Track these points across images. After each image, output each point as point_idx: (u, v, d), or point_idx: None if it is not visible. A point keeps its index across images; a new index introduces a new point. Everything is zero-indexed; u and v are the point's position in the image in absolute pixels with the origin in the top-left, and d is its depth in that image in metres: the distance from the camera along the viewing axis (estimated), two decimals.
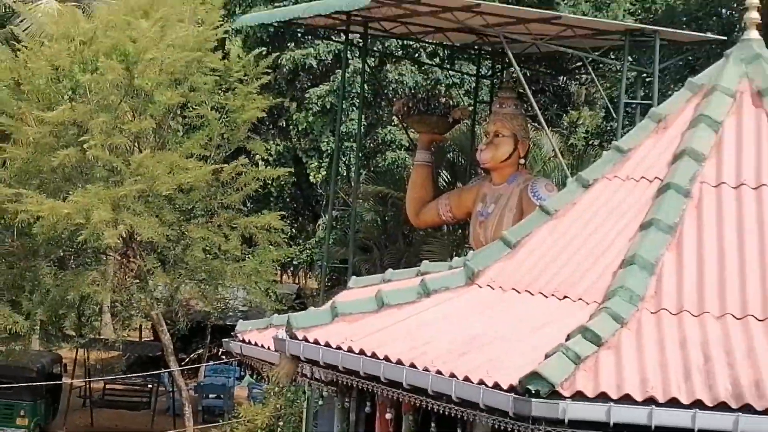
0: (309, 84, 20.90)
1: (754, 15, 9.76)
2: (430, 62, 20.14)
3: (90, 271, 16.97)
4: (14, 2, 20.25)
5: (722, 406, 6.53)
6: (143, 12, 17.53)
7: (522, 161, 14.75)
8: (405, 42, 18.25)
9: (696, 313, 8.01)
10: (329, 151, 19.41)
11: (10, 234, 17.14)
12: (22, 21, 20.27)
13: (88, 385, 22.12)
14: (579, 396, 6.80)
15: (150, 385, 22.38)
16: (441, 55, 19.74)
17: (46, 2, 20.44)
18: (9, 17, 21.12)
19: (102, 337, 21.36)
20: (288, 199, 20.82)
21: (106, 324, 21.00)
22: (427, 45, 18.16)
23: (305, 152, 20.21)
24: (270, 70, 18.89)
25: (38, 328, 18.80)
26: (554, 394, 6.79)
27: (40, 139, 16.78)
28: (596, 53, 15.20)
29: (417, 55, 19.82)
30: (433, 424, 8.64)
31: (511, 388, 6.82)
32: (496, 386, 6.97)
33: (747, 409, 6.39)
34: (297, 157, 20.92)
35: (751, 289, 8.29)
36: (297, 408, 12.85)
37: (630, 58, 14.70)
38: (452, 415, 7.97)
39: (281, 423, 13.53)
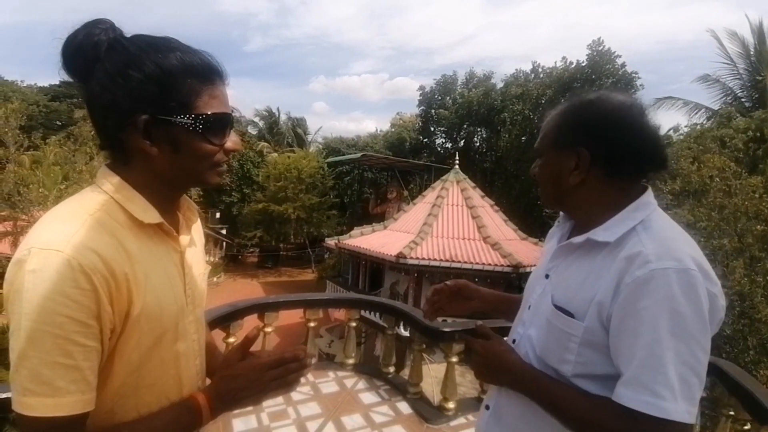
0: (344, 176, 24.41)
1: (457, 162, 13.18)
2: (376, 171, 23.94)
3: (287, 224, 21.20)
4: (265, 154, 24.37)
5: (447, 260, 9.92)
6: (304, 157, 22.65)
7: (400, 197, 18.79)
8: (369, 166, 22.25)
9: (443, 237, 11.01)
10: (349, 195, 23.79)
11: (266, 215, 21.16)
12: (267, 158, 24.57)
13: (287, 253, 25.79)
14: (412, 258, 10.00)
15: (302, 253, 25.29)
16: (378, 169, 23.28)
17: (274, 154, 24.85)
18: (265, 158, 24.82)
19: (290, 241, 24.05)
20: (339, 207, 23.24)
21: (291, 237, 22.84)
22: (375, 166, 22.26)
23: (343, 195, 23.81)
24: (334, 173, 23.61)
25: (274, 238, 22.83)
26: (405, 257, 9.94)
27: (275, 190, 21.55)
28: (419, 170, 19.77)
29: (373, 169, 23.66)
30: (375, 266, 11.79)
31: (395, 255, 10.07)
32: (391, 255, 10.15)
33: (456, 261, 9.74)
34: (341, 196, 24.28)
35: (457, 230, 11.24)
36: (340, 260, 15.08)
37: (426, 173, 18.75)
38: (380, 262, 10.99)
39: (336, 263, 16.42)
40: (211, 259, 21.35)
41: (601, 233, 0.82)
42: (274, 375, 0.75)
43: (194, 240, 0.83)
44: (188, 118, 0.70)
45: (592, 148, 0.84)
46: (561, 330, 0.82)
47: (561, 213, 0.99)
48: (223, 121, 0.74)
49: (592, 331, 0.78)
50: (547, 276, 0.93)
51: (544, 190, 0.93)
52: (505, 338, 0.97)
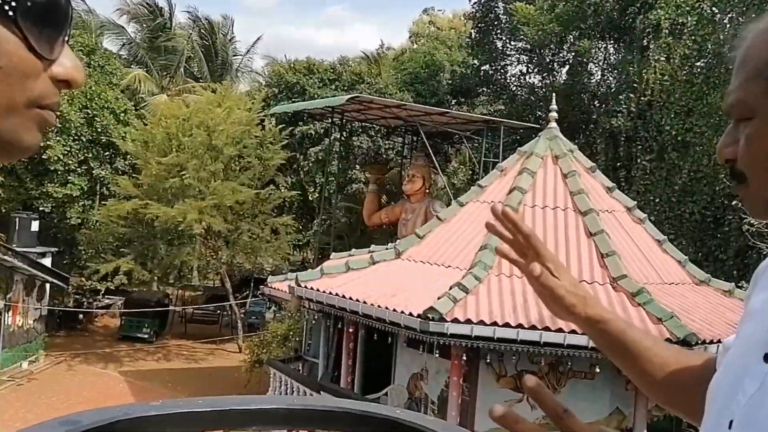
0: (310, 145, 26.09)
1: (554, 114, 13.71)
2: (377, 135, 25.68)
3: (186, 247, 22.90)
4: (140, 94, 26.78)
5: (532, 327, 10.18)
6: (218, 103, 23.91)
7: (427, 191, 19.36)
8: (363, 124, 23.43)
9: (519, 276, 11.13)
10: (320, 183, 24.72)
11: (141, 226, 22.64)
12: (146, 106, 26.83)
13: (183, 310, 28.60)
14: (455, 320, 10.29)
15: (218, 311, 28.32)
16: (383, 131, 25.10)
17: (158, 96, 27.08)
18: (140, 105, 27.56)
19: (192, 283, 27.54)
20: (297, 209, 25.63)
21: (194, 276, 25.67)
22: (375, 126, 23.66)
23: (307, 183, 25.98)
24: (288, 137, 25.04)
25: (156, 278, 24.88)
26: (441, 319, 10.22)
27: (158, 173, 22.75)
28: (468, 132, 20.21)
29: (370, 130, 25.30)
30: (375, 335, 12.12)
31: (419, 315, 10.30)
32: (411, 314, 10.47)
33: (546, 329, 10.05)
34: (302, 186, 26.41)
35: None
36: (300, 325, 15.85)
37: (487, 136, 19.19)
38: (386, 330, 11.40)
39: (291, 333, 17.31)
40: (19, 322, 21.82)
41: None
42: None
43: None
44: None
45: None
46: None
47: None
48: (56, 13, 0.76)
49: None
50: None
51: None
52: None
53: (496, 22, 26.22)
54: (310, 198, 26.26)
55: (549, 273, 1.38)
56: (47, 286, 23.07)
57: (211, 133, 23.04)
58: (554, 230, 12.33)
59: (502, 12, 25.86)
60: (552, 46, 24.34)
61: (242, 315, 25.35)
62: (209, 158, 23.12)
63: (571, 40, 23.76)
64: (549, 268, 1.38)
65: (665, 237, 13.15)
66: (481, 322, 10.39)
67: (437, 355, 11.20)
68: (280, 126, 25.18)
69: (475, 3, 26.68)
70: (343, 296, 11.62)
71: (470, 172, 23.64)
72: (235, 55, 34.09)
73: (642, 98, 21.04)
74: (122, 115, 25.79)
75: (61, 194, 24.60)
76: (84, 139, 24.87)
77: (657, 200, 19.60)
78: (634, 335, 1.37)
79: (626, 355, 1.37)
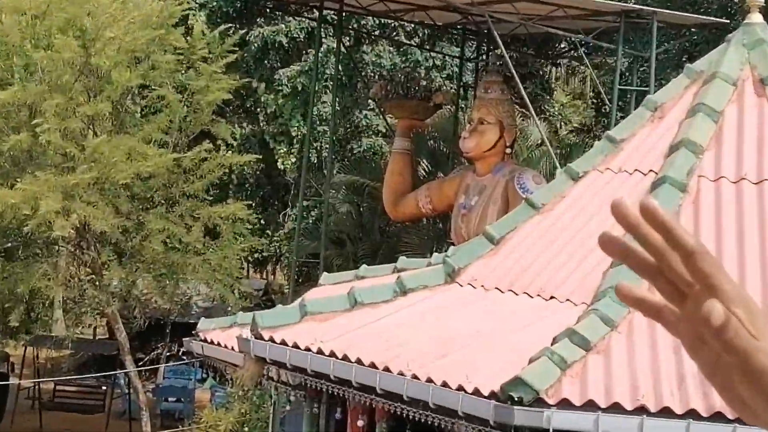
0: (279, 64, 27.08)
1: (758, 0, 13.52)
2: (410, 43, 26.09)
3: (40, 263, 22.93)
4: None
5: (718, 416, 10.21)
6: None
7: (508, 150, 19.67)
8: (383, 20, 24.28)
9: None
10: (300, 136, 25.54)
11: None
12: None
13: (37, 386, 29.18)
14: (565, 404, 10.49)
15: (104, 387, 29.36)
16: (421, 35, 25.77)
17: None
18: None
19: (52, 334, 27.74)
20: (255, 188, 26.62)
21: (57, 320, 26.45)
22: (406, 24, 24.16)
23: (274, 137, 26.52)
24: (237, 48, 25.44)
25: None
26: (538, 402, 10.50)
27: None
28: (589, 36, 19.55)
29: (395, 34, 25.85)
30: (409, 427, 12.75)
31: (493, 395, 10.55)
32: (477, 392, 10.73)
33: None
34: (265, 142, 27.18)
35: (750, 290, 10.35)
36: (263, 413, 16.75)
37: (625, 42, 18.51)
38: (429, 422, 11.75)
39: (246, 429, 18.00)
40: None
41: None
42: None
43: None
44: None
45: None
46: None
47: None
48: None
49: None
50: None
51: None
52: None
53: None
54: (281, 167, 26.53)
55: (739, 323, 1.27)
56: None
57: (87, 44, 23.00)
58: (759, 226, 12.24)
59: None
60: None
61: (150, 392, 26.20)
62: (85, 92, 23.49)
63: None
64: (737, 316, 1.29)
65: None
66: (616, 407, 10.47)
67: None
68: (222, 28, 25.63)
69: None
70: (345, 358, 11.81)
71: (593, 113, 25.79)
72: None
73: None
74: None
75: None
76: None
77: None
78: None
79: None
